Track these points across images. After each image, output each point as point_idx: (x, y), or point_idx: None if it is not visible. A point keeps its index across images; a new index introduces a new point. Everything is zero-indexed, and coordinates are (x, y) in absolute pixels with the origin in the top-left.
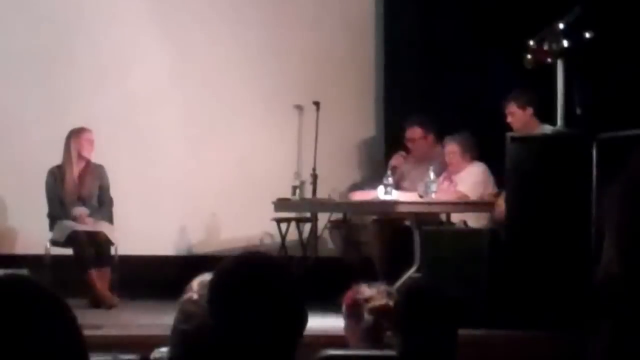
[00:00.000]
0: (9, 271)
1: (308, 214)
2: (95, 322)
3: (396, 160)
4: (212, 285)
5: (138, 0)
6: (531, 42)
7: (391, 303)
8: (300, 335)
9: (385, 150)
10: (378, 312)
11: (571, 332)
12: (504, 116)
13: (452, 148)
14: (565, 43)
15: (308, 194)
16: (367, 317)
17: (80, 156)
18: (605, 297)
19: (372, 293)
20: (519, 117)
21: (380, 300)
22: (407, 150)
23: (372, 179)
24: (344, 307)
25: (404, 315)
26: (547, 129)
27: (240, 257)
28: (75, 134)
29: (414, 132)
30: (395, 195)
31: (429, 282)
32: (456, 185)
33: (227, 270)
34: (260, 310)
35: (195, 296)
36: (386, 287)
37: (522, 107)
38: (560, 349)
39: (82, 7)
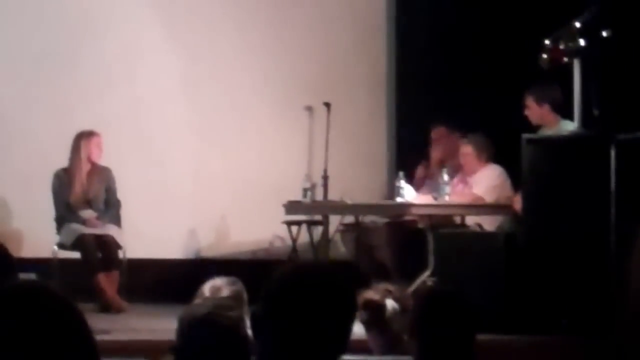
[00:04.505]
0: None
1: (319, 217)
2: (104, 327)
3: (421, 172)
4: (267, 295)
5: (145, 3)
6: (547, 42)
7: (385, 300)
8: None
9: (397, 151)
10: (369, 304)
11: (588, 337)
12: (523, 107)
13: (466, 150)
14: (581, 42)
15: (319, 196)
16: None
17: (88, 160)
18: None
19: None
20: (534, 112)
21: (374, 295)
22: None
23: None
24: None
25: (420, 320)
26: (568, 124)
27: (297, 267)
28: (86, 138)
29: (439, 132)
30: (409, 197)
31: (445, 287)
32: (471, 187)
33: (284, 281)
34: (313, 324)
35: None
36: (386, 286)
37: (538, 102)
38: (577, 354)
39: (88, 9)
